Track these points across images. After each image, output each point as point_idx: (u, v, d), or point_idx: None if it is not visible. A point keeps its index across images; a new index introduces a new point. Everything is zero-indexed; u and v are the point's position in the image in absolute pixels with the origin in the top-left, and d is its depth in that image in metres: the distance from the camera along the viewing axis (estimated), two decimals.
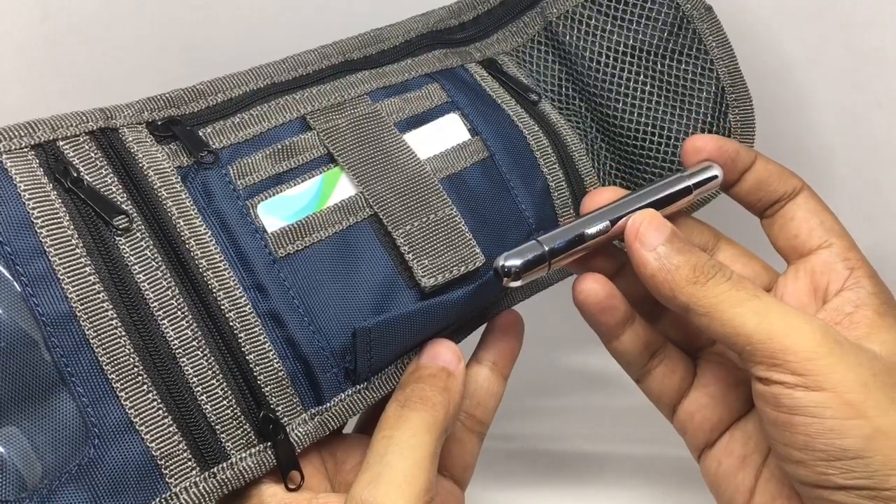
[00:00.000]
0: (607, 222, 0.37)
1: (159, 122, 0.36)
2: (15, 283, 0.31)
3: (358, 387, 0.36)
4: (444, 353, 0.36)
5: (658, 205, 0.39)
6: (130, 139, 0.35)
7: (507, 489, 0.51)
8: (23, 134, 0.34)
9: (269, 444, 0.33)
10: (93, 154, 0.34)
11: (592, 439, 0.53)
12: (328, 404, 0.35)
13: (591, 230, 0.37)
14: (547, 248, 0.36)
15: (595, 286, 0.38)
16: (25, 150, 0.33)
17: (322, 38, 0.42)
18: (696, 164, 0.40)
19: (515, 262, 0.36)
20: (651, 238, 0.36)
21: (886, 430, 0.32)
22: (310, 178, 0.37)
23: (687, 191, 0.39)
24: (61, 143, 0.34)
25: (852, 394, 0.32)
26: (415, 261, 0.37)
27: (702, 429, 0.39)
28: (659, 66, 0.45)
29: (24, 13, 0.48)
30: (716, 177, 0.39)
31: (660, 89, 0.45)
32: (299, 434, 0.34)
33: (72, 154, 0.34)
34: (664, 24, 0.45)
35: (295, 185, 0.37)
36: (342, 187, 0.38)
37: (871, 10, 0.47)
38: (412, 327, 0.36)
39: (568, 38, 0.46)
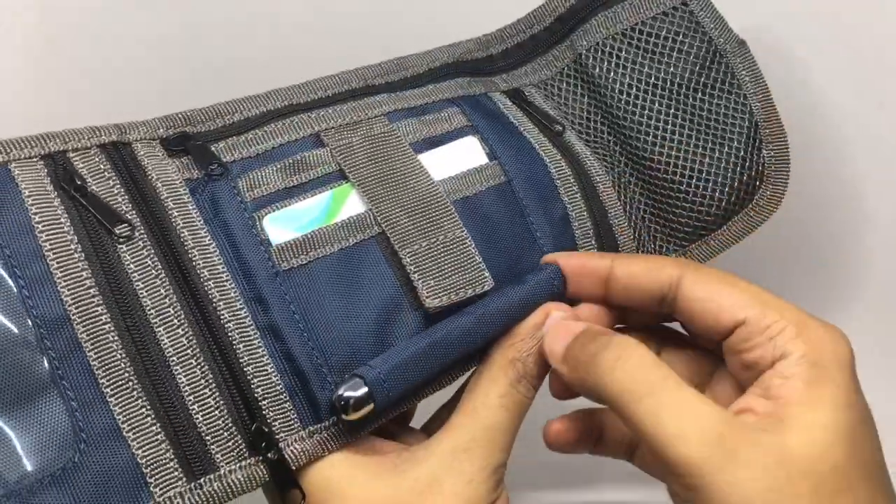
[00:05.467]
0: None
1: (172, 137, 0.37)
2: (12, 284, 0.32)
3: None
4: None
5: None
6: (142, 153, 0.36)
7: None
8: (34, 144, 0.34)
9: (260, 458, 0.33)
10: (101, 165, 0.35)
11: None
12: (326, 423, 0.34)
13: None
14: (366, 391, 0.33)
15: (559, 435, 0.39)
16: (35, 159, 0.34)
17: (342, 66, 0.42)
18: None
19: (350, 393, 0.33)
20: (556, 350, 0.35)
21: None
22: (319, 193, 0.37)
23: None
24: (71, 155, 0.35)
25: None
26: (420, 281, 0.36)
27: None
28: (691, 99, 0.44)
29: (24, 13, 0.49)
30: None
31: (691, 123, 0.44)
32: (295, 451, 0.33)
33: (80, 164, 0.35)
34: (696, 58, 0.45)
35: (304, 199, 0.37)
36: (351, 204, 0.37)
37: (872, 9, 0.45)
38: (423, 366, 0.35)
39: (598, 70, 0.45)
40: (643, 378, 0.31)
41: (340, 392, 0.33)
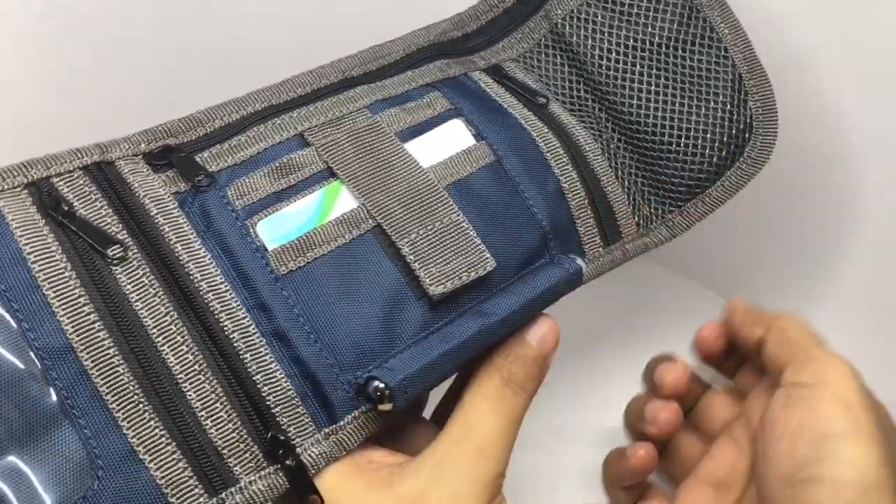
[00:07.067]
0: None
1: (155, 151, 0.36)
2: (11, 319, 0.31)
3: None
4: (549, 340, 0.36)
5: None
6: (126, 170, 0.35)
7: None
8: (17, 174, 0.34)
9: (278, 466, 0.32)
10: (87, 188, 0.34)
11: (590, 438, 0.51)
12: (342, 423, 0.34)
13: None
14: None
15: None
16: (19, 188, 0.34)
17: (326, 55, 0.42)
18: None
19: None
20: None
21: None
22: (310, 193, 0.37)
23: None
24: (55, 180, 0.34)
25: None
26: (422, 269, 0.36)
27: None
28: (671, 57, 0.44)
29: (23, 13, 0.48)
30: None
31: (675, 82, 0.44)
32: (313, 455, 0.33)
33: (65, 189, 0.34)
34: (673, 15, 0.44)
35: (295, 201, 0.36)
36: (343, 201, 0.37)
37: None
38: (442, 368, 0.34)
39: (575, 37, 0.45)
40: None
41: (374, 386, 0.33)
